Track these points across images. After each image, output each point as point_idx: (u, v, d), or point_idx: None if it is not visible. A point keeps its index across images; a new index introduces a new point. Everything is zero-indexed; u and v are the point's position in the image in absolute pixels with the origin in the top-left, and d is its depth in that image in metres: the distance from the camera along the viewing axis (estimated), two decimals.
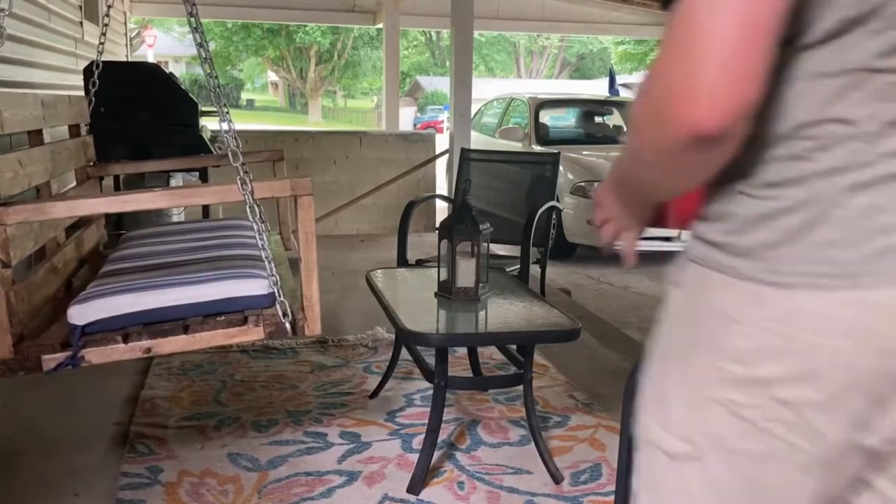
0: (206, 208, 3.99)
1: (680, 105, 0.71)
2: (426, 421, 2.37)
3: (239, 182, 1.87)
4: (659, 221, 1.09)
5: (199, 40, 1.99)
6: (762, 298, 0.81)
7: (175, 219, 4.15)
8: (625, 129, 7.93)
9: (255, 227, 1.92)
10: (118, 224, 3.73)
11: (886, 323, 0.77)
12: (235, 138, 1.97)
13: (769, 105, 0.77)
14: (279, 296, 1.94)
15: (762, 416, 0.83)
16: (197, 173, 4.27)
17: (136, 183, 3.99)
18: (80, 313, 1.86)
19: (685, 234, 0.93)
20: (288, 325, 1.94)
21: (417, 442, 2.54)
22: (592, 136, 7.60)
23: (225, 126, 2.01)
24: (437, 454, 2.43)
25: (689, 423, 0.89)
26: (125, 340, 1.86)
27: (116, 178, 3.76)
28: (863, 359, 0.79)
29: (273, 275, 1.95)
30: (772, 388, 0.82)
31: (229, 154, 1.90)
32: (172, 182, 4.29)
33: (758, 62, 0.70)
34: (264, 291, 1.99)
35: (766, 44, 0.70)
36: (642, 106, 0.79)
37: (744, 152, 0.78)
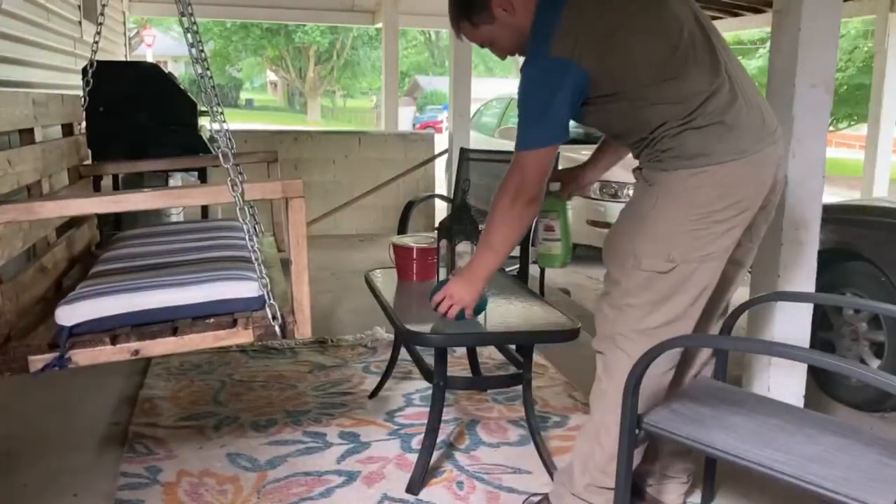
0: (204, 208, 3.98)
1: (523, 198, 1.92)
2: (425, 421, 2.36)
3: (229, 183, 1.86)
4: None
5: (191, 41, 1.98)
6: (714, 173, 1.83)
7: (174, 219, 4.14)
8: None
9: (246, 229, 1.91)
10: (116, 224, 3.72)
11: (763, 170, 1.88)
12: (228, 139, 1.96)
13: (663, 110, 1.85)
14: (269, 298, 1.94)
15: (707, 234, 1.85)
16: (196, 173, 4.26)
17: (135, 183, 3.98)
18: (68, 314, 1.85)
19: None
20: (277, 328, 1.93)
21: (417, 442, 2.54)
22: (591, 135, 7.57)
23: (217, 126, 2.00)
24: (436, 454, 2.43)
25: (671, 249, 1.85)
26: (113, 342, 1.85)
27: (115, 177, 3.75)
28: (758, 187, 1.89)
29: (263, 277, 1.94)
30: (715, 216, 1.84)
31: (220, 155, 1.89)
32: (171, 182, 4.28)
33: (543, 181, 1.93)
34: (254, 294, 1.98)
35: (546, 176, 1.94)
36: (503, 211, 1.96)
37: (680, 120, 1.84)
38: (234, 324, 1.95)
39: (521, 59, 2.00)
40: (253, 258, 1.93)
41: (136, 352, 1.86)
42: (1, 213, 1.77)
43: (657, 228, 1.88)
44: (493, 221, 2.00)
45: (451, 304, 2.10)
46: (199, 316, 1.96)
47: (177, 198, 2.17)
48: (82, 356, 1.83)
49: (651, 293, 1.89)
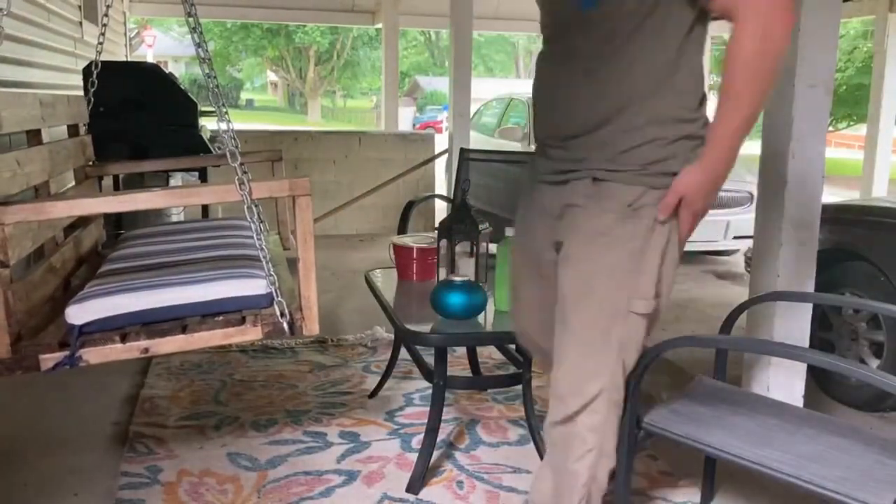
0: (205, 208, 3.99)
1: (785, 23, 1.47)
2: (425, 420, 2.37)
3: (237, 182, 1.87)
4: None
5: (197, 40, 1.98)
6: None
7: (174, 219, 4.15)
8: None
9: (253, 227, 1.92)
10: (117, 224, 3.72)
11: None
12: (234, 138, 1.97)
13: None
14: (277, 296, 1.94)
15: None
16: (196, 173, 4.27)
17: (135, 183, 3.99)
18: (78, 313, 1.86)
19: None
20: (286, 325, 1.94)
21: (417, 441, 2.54)
22: None
23: (224, 126, 2.00)
24: (436, 454, 2.43)
25: (661, 283, 1.62)
26: (123, 340, 1.86)
27: (116, 177, 3.76)
28: None
29: (271, 275, 1.95)
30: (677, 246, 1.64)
31: (227, 154, 1.89)
32: (172, 182, 4.29)
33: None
34: (262, 291, 1.99)
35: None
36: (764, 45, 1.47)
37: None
38: (242, 321, 1.95)
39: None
40: (261, 256, 1.93)
41: (146, 350, 1.87)
42: (12, 212, 1.78)
43: (655, 261, 1.61)
44: (738, 78, 1.49)
45: (691, 214, 1.61)
46: (207, 314, 1.97)
47: (185, 197, 2.18)
48: (93, 355, 1.83)
49: (640, 337, 1.65)
